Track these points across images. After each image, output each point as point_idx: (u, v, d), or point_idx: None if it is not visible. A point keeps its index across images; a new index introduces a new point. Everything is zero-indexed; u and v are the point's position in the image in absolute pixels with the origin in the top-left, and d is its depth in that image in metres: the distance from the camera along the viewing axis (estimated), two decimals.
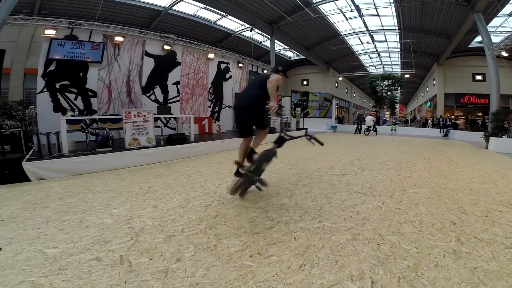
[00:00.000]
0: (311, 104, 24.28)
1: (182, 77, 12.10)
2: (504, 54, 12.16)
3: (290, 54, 25.93)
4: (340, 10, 16.63)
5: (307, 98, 24.12)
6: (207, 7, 14.78)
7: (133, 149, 6.64)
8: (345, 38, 21.36)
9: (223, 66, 14.31)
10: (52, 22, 8.73)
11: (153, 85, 11.07)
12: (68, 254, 2.29)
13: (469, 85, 22.23)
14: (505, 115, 11.25)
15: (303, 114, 20.62)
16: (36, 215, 3.23)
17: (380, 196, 3.93)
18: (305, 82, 28.36)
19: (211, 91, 13.58)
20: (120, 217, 3.13)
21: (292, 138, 3.55)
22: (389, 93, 32.01)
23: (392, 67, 29.88)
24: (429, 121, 23.31)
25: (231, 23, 17.71)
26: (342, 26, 19.45)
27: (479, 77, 21.69)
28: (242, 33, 19.01)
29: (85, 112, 9.20)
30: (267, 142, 3.84)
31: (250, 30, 17.02)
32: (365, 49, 24.61)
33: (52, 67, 8.71)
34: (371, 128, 18.39)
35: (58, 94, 8.80)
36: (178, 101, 11.97)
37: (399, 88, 32.79)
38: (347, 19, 17.93)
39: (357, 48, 24.18)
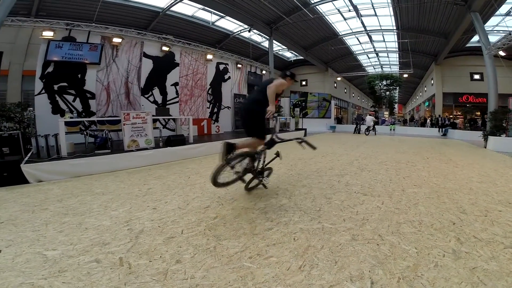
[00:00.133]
0: (310, 105, 24.31)
1: (180, 78, 12.09)
2: (502, 53, 12.20)
3: (288, 54, 25.95)
4: (338, 10, 16.66)
5: (306, 98, 24.16)
6: (206, 8, 14.77)
7: (132, 150, 6.63)
8: (343, 38, 21.39)
9: (221, 67, 14.31)
10: (50, 24, 8.72)
11: (151, 86, 11.06)
12: (67, 256, 2.29)
13: (467, 84, 22.30)
14: (503, 114, 11.26)
15: (302, 115, 20.63)
16: (35, 217, 3.23)
17: (379, 196, 3.93)
18: (303, 83, 28.37)
19: (210, 92, 13.57)
20: (119, 219, 3.13)
21: (283, 140, 3.63)
22: (387, 93, 32.10)
23: (390, 67, 29.95)
24: (428, 120, 23.36)
25: (229, 24, 17.72)
26: (340, 26, 19.49)
27: (477, 77, 21.76)
28: (241, 33, 19.01)
29: (83, 114, 9.18)
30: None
31: (249, 31, 17.06)
32: (363, 49, 24.65)
33: (50, 69, 8.70)
34: (371, 128, 18.47)
35: (56, 95, 8.78)
36: (177, 102, 11.96)
37: (398, 88, 32.90)
38: (345, 19, 17.96)
39: (355, 48, 24.23)
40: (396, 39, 20.67)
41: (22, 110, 7.61)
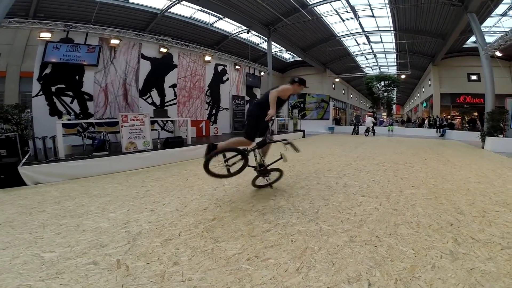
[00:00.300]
0: (308, 106, 24.32)
1: (179, 80, 12.08)
2: (498, 54, 12.24)
3: (287, 55, 25.99)
4: (336, 11, 16.71)
5: (304, 99, 24.18)
6: (204, 9, 14.77)
7: (130, 152, 6.62)
8: (341, 39, 21.45)
9: (220, 68, 14.31)
10: (48, 25, 8.69)
11: (149, 88, 11.04)
12: (65, 258, 2.28)
13: (465, 85, 22.39)
14: (501, 115, 11.31)
15: (300, 116, 20.65)
16: (32, 219, 3.22)
17: (377, 198, 3.94)
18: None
19: (208, 93, 13.57)
20: (117, 221, 3.12)
21: (272, 141, 3.80)
22: (385, 93, 32.15)
23: (388, 68, 30.04)
24: (426, 121, 23.42)
25: (228, 25, 17.73)
26: (338, 28, 19.54)
27: (474, 77, 21.86)
28: (239, 35, 19.02)
29: (81, 115, 9.14)
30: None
31: (247, 32, 17.07)
32: (361, 50, 24.72)
33: (47, 70, 8.67)
34: (370, 129, 18.53)
35: (54, 97, 8.75)
36: (175, 104, 11.95)
37: (396, 88, 32.96)
38: (343, 20, 18.01)
39: (353, 49, 24.29)
40: (393, 40, 20.74)
41: (19, 112, 7.56)
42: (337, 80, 28.51)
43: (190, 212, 3.38)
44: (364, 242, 2.52)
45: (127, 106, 10.28)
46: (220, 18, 16.43)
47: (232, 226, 2.91)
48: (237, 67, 15.33)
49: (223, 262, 2.20)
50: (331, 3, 15.64)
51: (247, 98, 16.25)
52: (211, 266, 2.14)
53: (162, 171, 6.19)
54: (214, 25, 17.37)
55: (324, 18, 17.62)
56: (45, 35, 8.56)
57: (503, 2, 13.00)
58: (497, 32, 15.26)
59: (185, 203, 3.76)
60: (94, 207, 3.62)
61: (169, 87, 11.72)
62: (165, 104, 11.54)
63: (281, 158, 3.94)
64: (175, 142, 7.64)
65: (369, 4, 15.61)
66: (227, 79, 14.76)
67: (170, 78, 11.77)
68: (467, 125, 20.04)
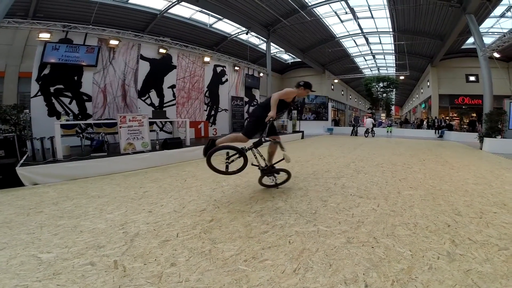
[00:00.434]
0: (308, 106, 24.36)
1: (177, 81, 12.08)
2: (496, 55, 12.29)
3: (286, 57, 26.05)
4: (335, 12, 16.76)
5: (303, 100, 24.18)
6: (203, 10, 14.79)
7: (129, 153, 6.61)
8: (340, 40, 21.52)
9: (219, 69, 14.30)
10: (47, 26, 8.67)
11: (148, 88, 11.03)
12: (62, 258, 2.28)
13: (463, 86, 22.46)
14: (499, 116, 11.34)
15: (298, 117, 20.65)
16: (30, 220, 3.22)
17: (375, 199, 3.95)
18: (297, 85, 28.38)
19: (207, 94, 13.56)
20: (115, 222, 3.12)
21: (266, 141, 3.89)
22: (384, 95, 32.24)
23: (387, 69, 30.13)
24: (424, 122, 23.47)
25: (227, 26, 17.76)
26: (337, 29, 19.60)
27: (472, 78, 21.94)
28: (238, 36, 19.05)
29: (80, 116, 9.12)
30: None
31: (246, 33, 17.08)
32: (360, 51, 24.79)
33: (46, 71, 8.65)
34: (369, 130, 18.57)
35: (52, 98, 8.73)
36: (174, 105, 11.93)
37: (394, 90, 33.05)
38: (342, 21, 18.07)
39: (352, 50, 24.36)
40: (392, 41, 20.81)
41: (18, 112, 7.57)
42: (336, 81, 28.57)
43: (188, 213, 3.37)
44: (361, 243, 2.52)
45: (125, 107, 10.26)
46: (220, 19, 16.47)
47: (230, 227, 2.91)
48: (236, 68, 15.33)
49: (221, 263, 2.19)
50: (330, 4, 15.69)
51: (246, 99, 16.26)
52: (209, 267, 2.14)
53: (161, 172, 6.18)
54: (214, 26, 17.40)
55: (323, 19, 17.69)
56: (44, 36, 8.54)
57: (501, 3, 13.05)
58: (495, 33, 15.32)
59: (183, 204, 3.76)
60: (92, 208, 3.62)
61: (168, 88, 11.71)
62: (164, 105, 11.52)
63: (283, 159, 3.96)
64: (173, 143, 7.64)
65: (368, 5, 15.67)
66: (226, 80, 14.75)
67: (169, 79, 11.76)
68: (466, 127, 20.09)
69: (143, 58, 10.87)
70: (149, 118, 7.66)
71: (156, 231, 2.85)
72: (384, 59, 26.78)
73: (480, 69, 12.94)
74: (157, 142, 7.82)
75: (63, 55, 8.80)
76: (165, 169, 6.56)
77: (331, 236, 2.68)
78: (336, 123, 27.22)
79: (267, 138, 3.85)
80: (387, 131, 21.64)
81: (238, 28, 17.70)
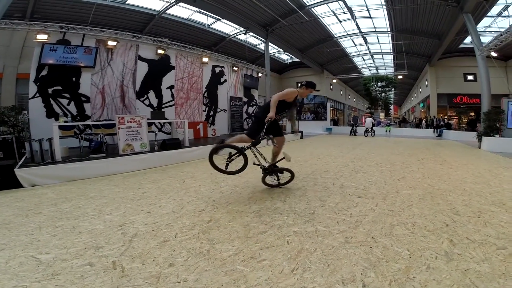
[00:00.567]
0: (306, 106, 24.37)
1: (176, 81, 12.08)
2: (494, 54, 12.33)
3: (284, 57, 26.03)
4: (333, 12, 16.76)
5: (302, 100, 24.17)
6: (201, 10, 14.77)
7: (127, 154, 6.61)
8: (339, 40, 21.52)
9: (217, 69, 14.31)
10: (44, 27, 8.66)
11: (147, 89, 11.02)
12: (61, 259, 2.29)
13: (461, 85, 22.50)
14: (497, 115, 11.37)
15: (297, 117, 20.66)
16: (29, 221, 3.22)
17: (373, 198, 3.95)
18: (299, 85, 28.38)
19: (205, 95, 13.56)
20: (113, 223, 3.12)
21: (264, 138, 4.03)
22: (383, 94, 32.27)
23: (385, 69, 30.16)
24: (423, 121, 23.51)
25: (225, 27, 17.73)
26: (335, 29, 19.59)
27: (470, 77, 21.97)
28: (237, 36, 19.04)
29: (78, 117, 9.12)
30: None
31: (245, 34, 17.07)
32: (359, 51, 24.81)
33: (44, 72, 8.63)
34: (369, 130, 18.59)
35: (50, 99, 8.72)
36: (173, 105, 11.94)
37: (393, 89, 33.09)
38: (340, 21, 18.07)
39: (350, 50, 24.37)
40: (390, 41, 20.83)
41: (16, 114, 7.56)
42: (334, 81, 28.59)
43: (187, 214, 3.38)
44: (359, 243, 2.52)
45: (124, 108, 10.25)
46: (218, 20, 16.44)
47: (228, 228, 2.92)
48: (234, 68, 15.33)
49: (219, 263, 2.20)
50: (328, 4, 15.69)
51: (245, 99, 16.27)
52: (207, 267, 2.14)
53: (159, 173, 6.18)
54: (212, 26, 17.37)
55: (321, 19, 17.69)
56: (42, 37, 8.52)
57: (498, 2, 13.08)
58: (493, 33, 15.37)
59: (182, 204, 3.76)
60: (90, 209, 3.62)
61: (167, 88, 11.71)
62: (163, 106, 11.52)
63: (284, 158, 4.06)
64: (172, 144, 7.64)
65: (366, 5, 15.68)
66: (225, 80, 14.76)
67: (168, 80, 11.76)
68: (464, 126, 20.11)
69: (141, 59, 10.87)
70: (148, 119, 7.65)
71: (155, 231, 2.85)
72: (383, 58, 26.80)
73: (478, 68, 12.98)
74: (155, 143, 7.80)
75: (61, 56, 8.78)
76: (164, 169, 6.56)
77: (329, 236, 2.68)
78: (335, 123, 27.21)
79: (265, 137, 3.95)
80: (386, 131, 21.68)
81: (237, 28, 17.68)
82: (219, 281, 1.96)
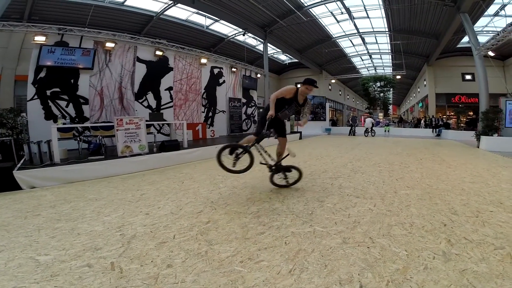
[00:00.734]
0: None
1: (174, 83, 12.06)
2: (491, 53, 12.36)
3: (283, 57, 26.06)
4: (331, 13, 16.80)
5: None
6: (200, 12, 14.77)
7: (126, 156, 6.60)
8: (337, 40, 21.56)
9: (216, 71, 14.29)
10: (42, 28, 8.63)
11: (145, 91, 11.00)
12: (59, 261, 2.30)
13: (459, 84, 22.56)
14: (495, 114, 11.41)
15: (296, 118, 20.64)
16: (27, 223, 3.23)
17: (371, 199, 3.96)
18: (298, 85, 28.36)
19: (204, 96, 13.54)
20: (112, 224, 3.12)
21: (266, 134, 4.13)
22: (381, 94, 32.32)
23: (383, 69, 30.23)
24: (422, 121, 23.55)
25: (224, 28, 17.73)
26: (333, 29, 19.64)
27: (468, 77, 22.02)
28: (235, 37, 19.04)
29: (76, 119, 9.10)
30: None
31: (243, 35, 17.08)
32: (357, 51, 24.85)
33: (42, 74, 8.60)
34: (369, 130, 18.63)
35: (49, 101, 8.69)
36: (171, 107, 11.92)
37: (392, 89, 33.16)
38: (338, 21, 18.12)
39: (349, 50, 24.40)
40: (388, 41, 20.87)
41: (14, 116, 7.56)
42: (333, 81, 28.59)
43: (185, 215, 3.38)
44: (357, 244, 2.53)
45: (122, 110, 10.23)
46: (216, 21, 16.44)
47: (227, 229, 2.92)
48: (233, 69, 15.31)
49: (217, 264, 2.20)
50: (326, 4, 15.72)
51: (243, 100, 16.26)
52: (205, 268, 2.15)
53: (158, 174, 6.18)
54: (210, 27, 17.36)
55: (319, 19, 17.72)
56: (40, 38, 8.48)
57: (494, 2, 13.14)
58: (490, 32, 15.37)
59: (180, 206, 3.77)
60: (89, 211, 3.62)
61: (165, 90, 11.69)
62: (161, 107, 11.50)
63: (288, 154, 4.18)
64: (171, 145, 7.63)
65: (364, 5, 15.72)
66: (224, 81, 14.74)
67: (166, 81, 11.74)
68: (463, 125, 20.13)
69: (140, 60, 10.85)
70: (146, 121, 7.65)
71: (153, 233, 2.85)
72: (381, 58, 26.85)
73: (476, 67, 13.02)
74: (154, 144, 7.79)
75: (59, 58, 8.76)
76: (162, 171, 6.56)
77: (327, 237, 2.69)
78: (334, 123, 27.23)
79: (267, 132, 4.07)
80: (385, 131, 21.72)
81: (235, 29, 17.69)
82: (217, 282, 1.96)
